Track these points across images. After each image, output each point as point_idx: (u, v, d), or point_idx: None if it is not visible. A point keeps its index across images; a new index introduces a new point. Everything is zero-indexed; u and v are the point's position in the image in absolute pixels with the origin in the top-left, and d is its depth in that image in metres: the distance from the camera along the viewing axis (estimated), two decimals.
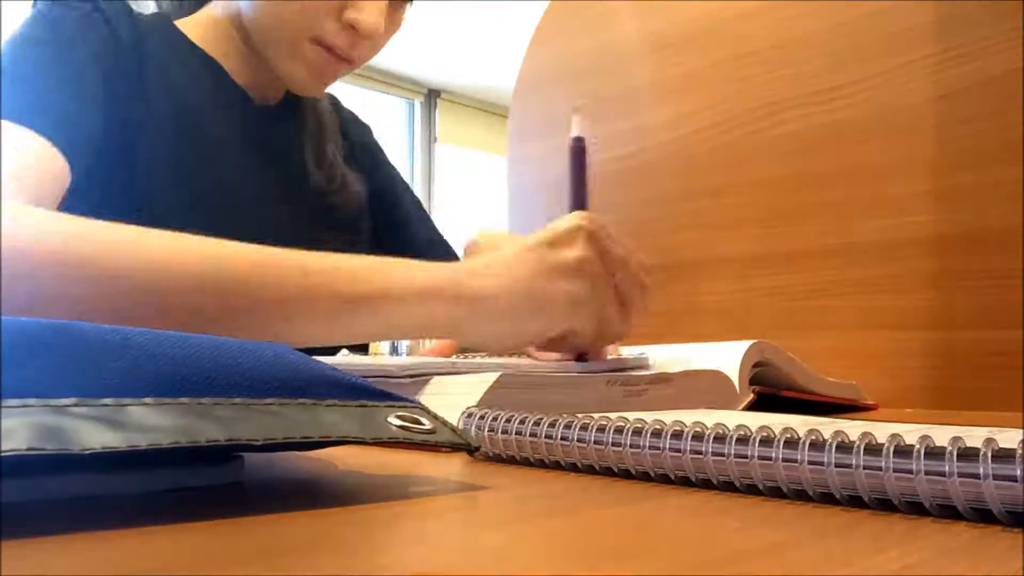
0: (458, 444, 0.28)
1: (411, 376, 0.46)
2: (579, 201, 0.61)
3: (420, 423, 0.28)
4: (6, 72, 0.62)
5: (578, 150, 0.63)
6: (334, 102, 0.93)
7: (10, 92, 0.60)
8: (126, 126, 0.69)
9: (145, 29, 0.76)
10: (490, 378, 0.41)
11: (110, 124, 0.66)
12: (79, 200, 0.66)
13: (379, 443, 0.26)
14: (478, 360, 0.56)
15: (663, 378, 0.51)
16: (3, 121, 0.57)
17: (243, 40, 0.78)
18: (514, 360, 0.59)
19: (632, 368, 0.58)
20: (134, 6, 0.83)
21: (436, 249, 0.90)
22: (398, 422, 0.27)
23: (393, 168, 0.96)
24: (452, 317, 0.50)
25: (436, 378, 0.45)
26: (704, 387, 0.54)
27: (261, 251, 0.49)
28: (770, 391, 0.59)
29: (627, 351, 0.66)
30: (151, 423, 0.22)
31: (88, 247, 0.45)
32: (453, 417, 0.34)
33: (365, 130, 0.95)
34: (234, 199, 0.77)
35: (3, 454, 0.19)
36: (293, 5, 0.70)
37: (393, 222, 0.91)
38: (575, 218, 0.55)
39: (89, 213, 0.66)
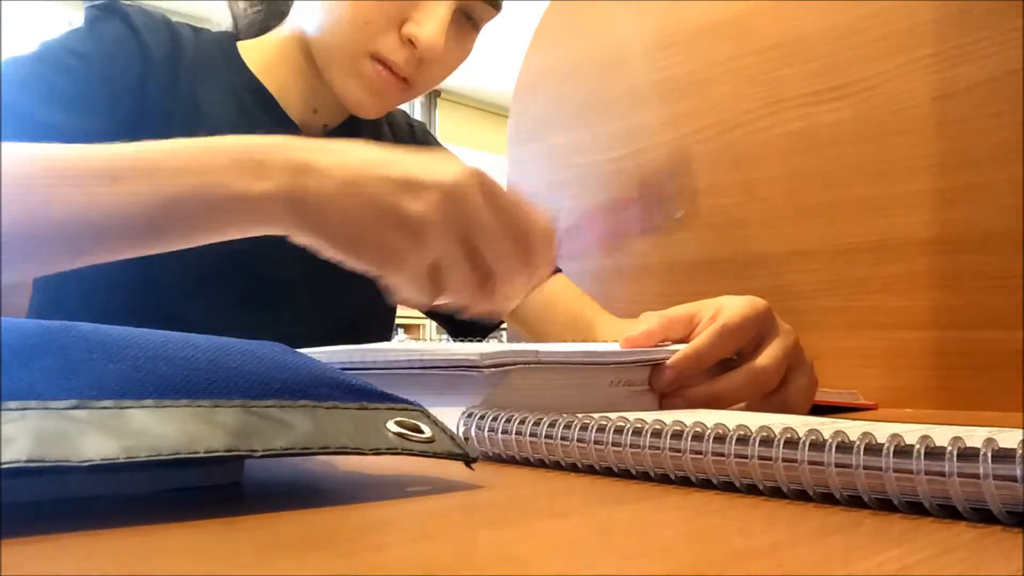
0: (456, 454, 0.28)
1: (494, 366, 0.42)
2: None
3: (420, 430, 0.28)
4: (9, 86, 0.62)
5: None
6: (398, 135, 0.90)
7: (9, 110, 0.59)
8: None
9: (196, 47, 0.75)
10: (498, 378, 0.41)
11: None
12: None
13: (377, 453, 0.26)
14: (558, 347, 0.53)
15: None
16: None
17: (305, 60, 0.76)
18: (590, 346, 0.56)
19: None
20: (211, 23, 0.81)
21: None
22: (396, 429, 0.27)
23: None
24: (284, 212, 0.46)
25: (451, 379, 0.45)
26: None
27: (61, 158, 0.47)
28: None
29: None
30: (151, 430, 0.22)
31: None
32: (455, 416, 0.34)
33: None
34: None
35: (3, 466, 0.19)
36: (354, 17, 0.70)
37: None
38: (452, 170, 0.46)
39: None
